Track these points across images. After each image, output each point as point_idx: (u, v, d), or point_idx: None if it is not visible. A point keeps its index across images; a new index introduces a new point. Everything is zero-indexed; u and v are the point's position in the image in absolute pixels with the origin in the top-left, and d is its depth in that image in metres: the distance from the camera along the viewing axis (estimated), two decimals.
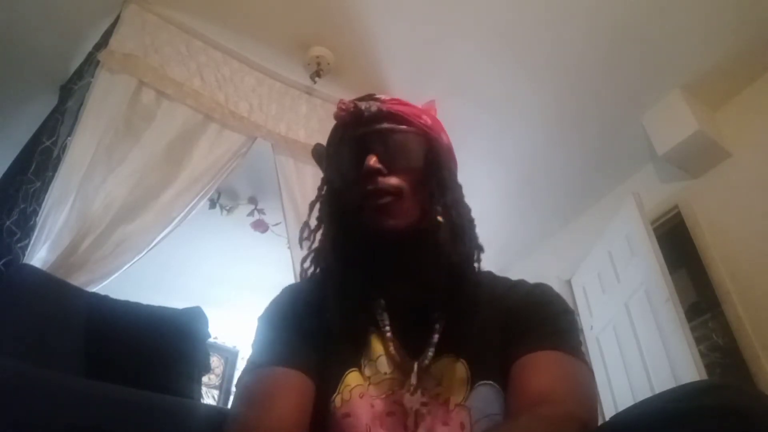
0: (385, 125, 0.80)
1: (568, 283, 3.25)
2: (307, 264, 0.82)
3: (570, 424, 0.60)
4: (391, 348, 0.75)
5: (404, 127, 0.80)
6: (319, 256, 0.81)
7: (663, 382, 2.24)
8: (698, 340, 2.42)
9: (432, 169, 0.80)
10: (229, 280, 4.04)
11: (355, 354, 0.76)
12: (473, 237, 0.80)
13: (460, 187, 0.84)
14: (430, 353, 0.74)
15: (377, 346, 0.76)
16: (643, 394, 2.23)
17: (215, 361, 4.60)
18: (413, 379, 0.72)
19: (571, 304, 3.19)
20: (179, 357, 1.68)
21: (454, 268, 0.76)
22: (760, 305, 2.30)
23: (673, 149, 2.60)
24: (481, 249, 0.80)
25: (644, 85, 2.61)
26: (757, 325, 2.29)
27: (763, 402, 0.48)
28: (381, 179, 0.76)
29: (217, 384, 4.66)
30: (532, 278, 0.85)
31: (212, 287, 4.01)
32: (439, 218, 0.78)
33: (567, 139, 2.90)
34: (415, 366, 0.73)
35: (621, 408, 0.54)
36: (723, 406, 0.47)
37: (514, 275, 0.86)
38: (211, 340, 2.03)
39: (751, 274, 2.37)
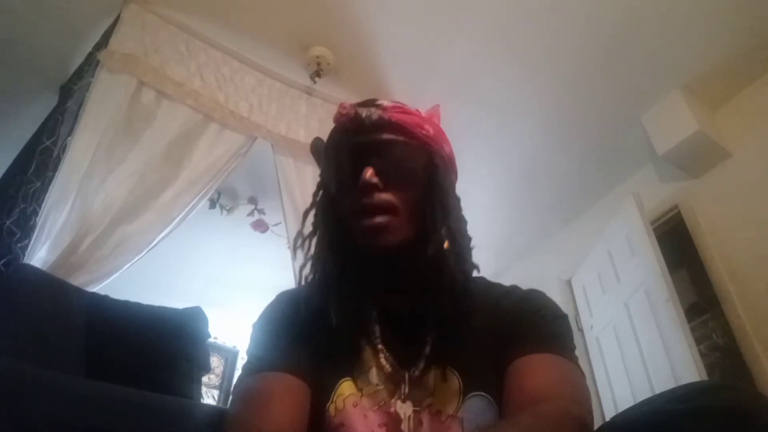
0: (386, 136, 0.77)
1: (568, 283, 3.25)
2: (306, 271, 0.81)
3: (569, 422, 0.61)
4: (382, 359, 0.75)
5: (405, 139, 0.78)
6: (316, 263, 0.80)
7: (663, 382, 2.24)
8: (698, 340, 2.42)
9: (431, 185, 0.78)
10: (229, 280, 4.04)
11: (347, 364, 0.76)
12: (471, 257, 0.80)
13: (458, 201, 0.82)
14: (422, 364, 0.74)
15: (369, 358, 0.76)
16: (643, 394, 2.23)
17: (215, 361, 4.59)
18: (404, 389, 0.72)
19: (571, 304, 3.21)
20: (179, 357, 1.68)
21: (453, 287, 0.75)
22: (760, 305, 2.30)
23: (673, 149, 2.60)
24: (476, 268, 0.80)
25: (644, 85, 2.60)
26: (757, 325, 2.28)
27: (762, 402, 0.48)
28: (376, 194, 0.74)
29: (217, 384, 4.66)
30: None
31: (212, 287, 4.01)
32: (446, 244, 0.76)
33: (567, 139, 2.90)
34: (406, 376, 0.73)
35: (621, 408, 0.54)
36: (723, 407, 0.47)
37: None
38: (211, 340, 2.03)
39: (751, 274, 2.37)
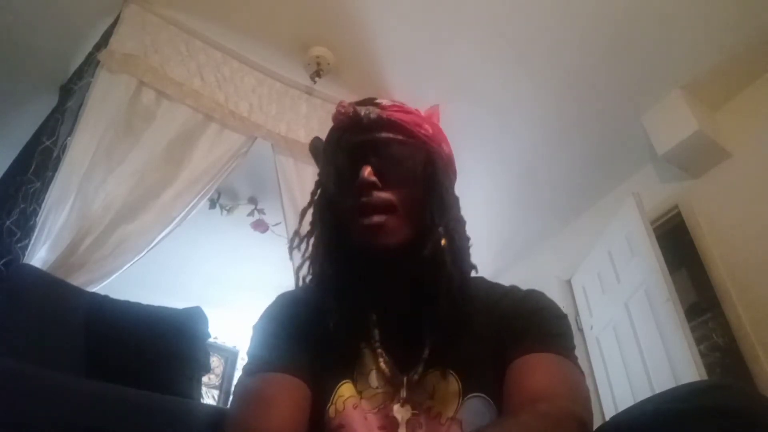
0: (384, 134, 0.77)
1: (568, 283, 3.25)
2: (303, 272, 0.80)
3: (568, 421, 0.61)
4: (382, 362, 0.74)
5: (403, 137, 0.78)
6: (314, 264, 0.78)
7: (663, 382, 2.23)
8: (698, 340, 2.42)
9: (430, 184, 0.77)
10: (229, 280, 4.04)
11: (347, 367, 0.75)
12: (469, 257, 0.79)
13: (457, 200, 0.81)
14: (420, 368, 0.73)
15: (368, 361, 0.76)
16: (643, 394, 2.23)
17: (215, 361, 4.60)
18: (403, 393, 0.72)
19: (571, 304, 3.21)
20: (179, 357, 1.68)
21: (450, 287, 0.74)
22: (760, 305, 2.30)
23: (673, 149, 2.60)
24: (474, 268, 0.79)
25: (644, 85, 2.60)
26: (757, 325, 2.28)
27: (762, 402, 0.48)
28: (375, 193, 0.74)
29: (217, 384, 4.66)
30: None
31: (212, 287, 4.01)
32: (443, 241, 0.74)
33: (567, 139, 2.90)
34: (405, 380, 0.73)
35: (621, 408, 0.54)
36: (722, 407, 0.47)
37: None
38: (211, 340, 2.03)
39: (751, 274, 2.36)
